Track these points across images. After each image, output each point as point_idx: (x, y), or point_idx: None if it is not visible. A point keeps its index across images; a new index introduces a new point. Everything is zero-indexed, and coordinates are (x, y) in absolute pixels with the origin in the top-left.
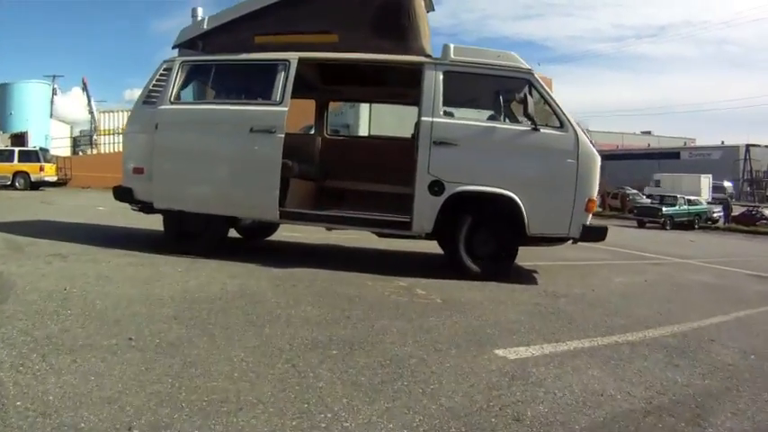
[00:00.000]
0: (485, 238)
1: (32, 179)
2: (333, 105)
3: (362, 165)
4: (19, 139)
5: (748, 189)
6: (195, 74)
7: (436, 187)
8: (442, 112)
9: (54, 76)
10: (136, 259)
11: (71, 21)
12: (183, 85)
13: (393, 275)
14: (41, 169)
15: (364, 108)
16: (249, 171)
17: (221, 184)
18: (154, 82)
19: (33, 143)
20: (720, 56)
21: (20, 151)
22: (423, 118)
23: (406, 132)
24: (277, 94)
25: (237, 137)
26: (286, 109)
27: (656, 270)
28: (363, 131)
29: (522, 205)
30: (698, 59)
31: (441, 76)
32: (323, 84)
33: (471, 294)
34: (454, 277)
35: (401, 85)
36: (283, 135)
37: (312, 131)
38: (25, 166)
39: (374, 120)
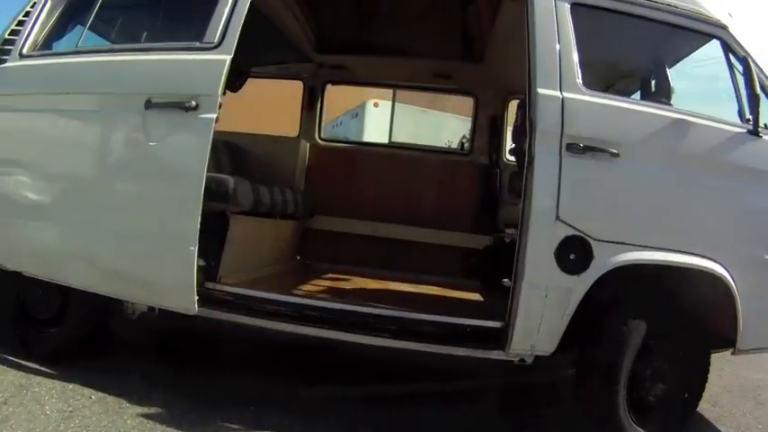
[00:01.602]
0: (655, 365)
1: None
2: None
3: (381, 192)
4: None
5: None
6: (76, 6)
7: (573, 252)
8: (579, 81)
9: None
10: None
11: None
12: (57, 28)
13: None
14: None
15: (372, 114)
16: (135, 197)
17: (81, 225)
18: (13, 26)
19: None
20: None
21: None
22: (541, 90)
23: None
24: (215, 32)
25: (119, 120)
26: (227, 58)
27: None
28: None
29: (736, 293)
30: None
31: (566, 12)
32: (317, 49)
33: None
34: None
35: (456, 55)
36: (215, 116)
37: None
38: None
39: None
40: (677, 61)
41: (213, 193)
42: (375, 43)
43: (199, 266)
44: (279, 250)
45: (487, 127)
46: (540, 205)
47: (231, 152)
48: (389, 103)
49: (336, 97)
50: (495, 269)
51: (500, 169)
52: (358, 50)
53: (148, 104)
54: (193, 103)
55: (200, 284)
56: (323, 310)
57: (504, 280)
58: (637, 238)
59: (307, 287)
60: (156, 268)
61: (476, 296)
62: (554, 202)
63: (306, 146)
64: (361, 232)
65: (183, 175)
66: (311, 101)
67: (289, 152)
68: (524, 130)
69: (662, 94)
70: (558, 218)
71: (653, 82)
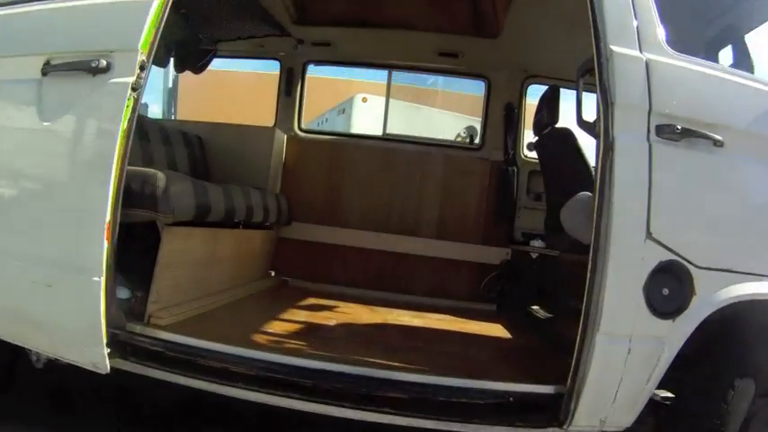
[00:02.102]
0: None
1: None
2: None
3: (374, 195)
4: None
5: None
6: None
7: (668, 285)
8: (662, 39)
9: None
10: None
11: None
12: None
13: None
14: None
15: (361, 110)
16: (24, 203)
17: None
18: None
19: None
20: None
21: None
22: (616, 48)
23: None
24: None
25: (8, 94)
26: None
27: None
28: None
29: None
30: None
31: None
32: (297, 21)
33: None
34: None
35: (466, 29)
36: (132, 80)
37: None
38: None
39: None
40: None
41: (134, 195)
42: (367, 14)
43: (114, 302)
44: (243, 269)
45: (502, 116)
46: (625, 217)
47: (189, 145)
48: (380, 98)
49: (322, 92)
50: (517, 291)
51: (518, 167)
52: (346, 23)
53: (46, 68)
54: (103, 62)
55: (117, 327)
56: (294, 370)
57: (534, 307)
58: (748, 263)
59: (275, 324)
60: (50, 306)
61: (498, 329)
62: (644, 213)
63: (282, 138)
64: (349, 243)
65: (85, 168)
66: (290, 84)
67: (262, 146)
68: (547, 122)
69: (744, 64)
70: (649, 235)
71: (732, 49)
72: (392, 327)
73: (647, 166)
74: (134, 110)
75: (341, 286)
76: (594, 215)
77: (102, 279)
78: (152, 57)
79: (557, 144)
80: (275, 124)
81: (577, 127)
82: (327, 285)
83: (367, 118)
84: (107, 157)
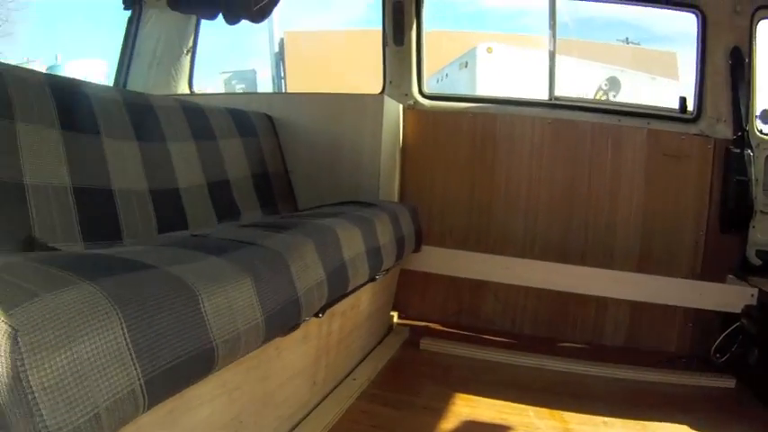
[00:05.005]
0: None
1: None
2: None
3: (540, 198)
4: None
5: None
6: None
7: None
8: None
9: None
10: None
11: None
12: None
13: None
14: None
15: (486, 62)
16: None
17: None
18: None
19: None
20: None
21: None
22: None
23: None
24: None
25: None
26: None
27: None
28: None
29: None
30: None
31: None
32: None
33: None
34: None
35: None
36: None
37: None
38: None
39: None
40: None
41: None
42: None
43: None
44: (338, 362)
45: (727, 68)
46: None
47: (249, 133)
48: (507, 47)
49: (437, 45)
50: None
51: (752, 150)
52: None
53: None
54: None
55: None
56: None
57: None
58: None
59: None
60: None
61: None
62: None
63: (397, 110)
64: (507, 281)
65: None
66: (399, 25)
67: (366, 125)
68: None
69: None
70: None
71: None
72: None
73: None
74: None
75: (489, 348)
76: None
77: None
78: None
79: None
80: (383, 90)
81: None
82: (472, 346)
83: (494, 72)
84: None
